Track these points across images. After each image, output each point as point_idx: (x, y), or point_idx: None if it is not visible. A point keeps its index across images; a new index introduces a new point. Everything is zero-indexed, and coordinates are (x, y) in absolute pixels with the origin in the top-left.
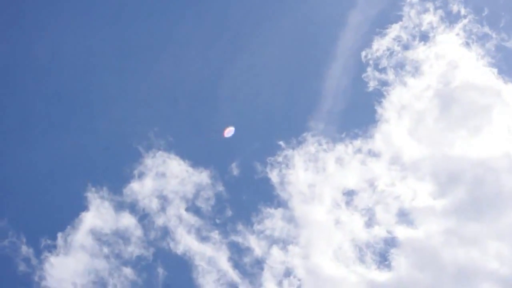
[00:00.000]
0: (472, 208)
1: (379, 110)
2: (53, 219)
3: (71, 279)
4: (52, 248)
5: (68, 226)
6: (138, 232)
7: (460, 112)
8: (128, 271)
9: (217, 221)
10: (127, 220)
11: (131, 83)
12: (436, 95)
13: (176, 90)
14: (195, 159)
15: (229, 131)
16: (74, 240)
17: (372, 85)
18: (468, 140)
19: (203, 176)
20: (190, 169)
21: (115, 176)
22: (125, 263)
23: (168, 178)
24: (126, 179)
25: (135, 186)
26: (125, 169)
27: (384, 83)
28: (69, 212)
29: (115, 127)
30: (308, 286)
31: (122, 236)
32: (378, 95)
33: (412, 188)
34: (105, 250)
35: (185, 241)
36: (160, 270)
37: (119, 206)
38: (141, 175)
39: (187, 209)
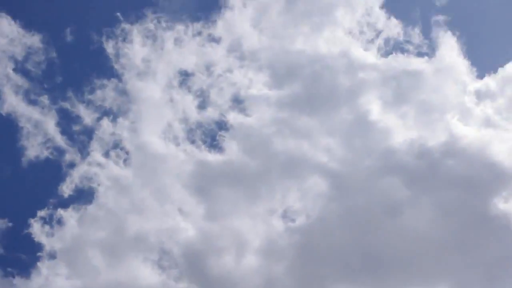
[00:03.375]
0: (306, 103)
1: None
2: None
3: None
4: None
5: None
6: None
7: (305, 7)
8: None
9: (46, 86)
10: None
11: None
12: None
13: None
14: (28, 21)
15: None
16: None
17: None
18: (308, 36)
19: (34, 39)
20: (21, 31)
21: None
22: None
23: None
24: None
25: None
26: None
27: None
28: None
29: None
30: (136, 160)
31: None
32: None
33: (249, 77)
34: None
35: (11, 102)
36: None
37: None
38: None
39: (15, 70)
